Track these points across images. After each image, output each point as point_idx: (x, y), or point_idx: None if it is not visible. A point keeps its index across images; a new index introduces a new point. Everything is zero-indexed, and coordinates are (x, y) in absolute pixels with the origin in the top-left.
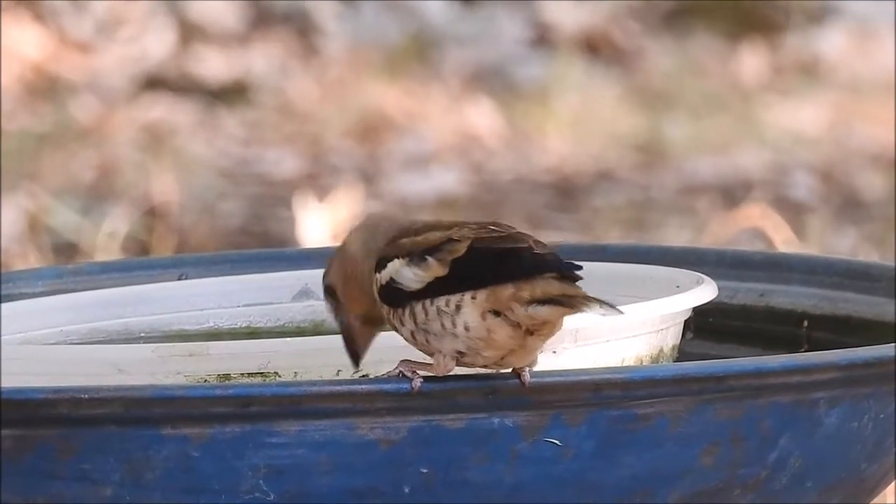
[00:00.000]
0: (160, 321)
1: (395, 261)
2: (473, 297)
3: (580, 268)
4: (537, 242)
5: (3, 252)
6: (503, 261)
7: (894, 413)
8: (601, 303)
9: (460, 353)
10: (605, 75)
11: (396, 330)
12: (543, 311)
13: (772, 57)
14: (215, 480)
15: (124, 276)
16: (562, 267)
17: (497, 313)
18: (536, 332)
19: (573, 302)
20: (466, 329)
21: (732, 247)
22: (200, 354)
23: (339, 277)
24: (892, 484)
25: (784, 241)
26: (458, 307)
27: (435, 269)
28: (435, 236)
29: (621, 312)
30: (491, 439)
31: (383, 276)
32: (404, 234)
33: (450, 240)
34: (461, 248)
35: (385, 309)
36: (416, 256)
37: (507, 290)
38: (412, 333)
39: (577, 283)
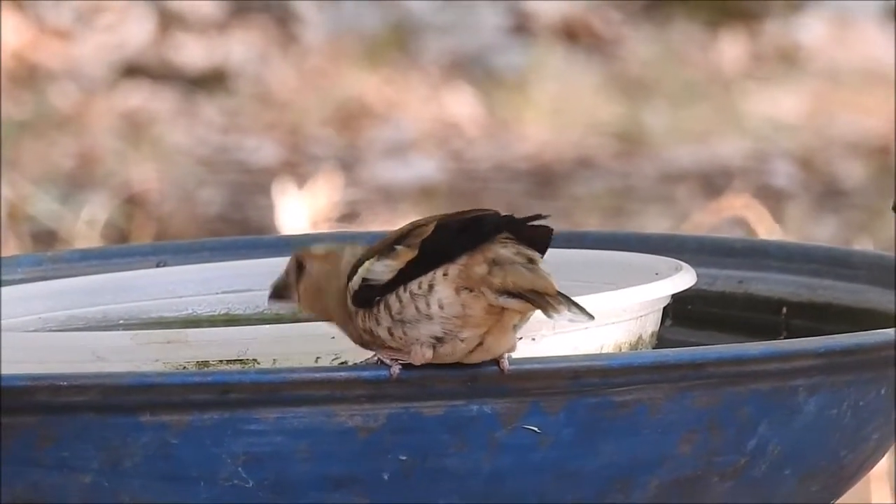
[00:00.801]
0: (139, 308)
1: (366, 262)
2: (445, 274)
3: (546, 216)
4: (508, 216)
5: None
6: (468, 228)
7: (873, 401)
8: (570, 304)
9: (438, 339)
10: (584, 63)
11: (370, 340)
12: (512, 303)
13: (751, 45)
14: (194, 468)
15: (103, 263)
16: (527, 219)
17: (470, 290)
18: (510, 307)
19: (541, 302)
20: (441, 307)
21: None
22: (179, 341)
23: (309, 283)
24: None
25: (767, 230)
26: (430, 287)
27: (404, 254)
28: (402, 229)
29: (591, 317)
30: (469, 426)
31: (355, 282)
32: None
33: (416, 226)
34: (428, 230)
35: (359, 317)
36: (386, 249)
37: (479, 270)
38: (389, 330)
39: (548, 270)
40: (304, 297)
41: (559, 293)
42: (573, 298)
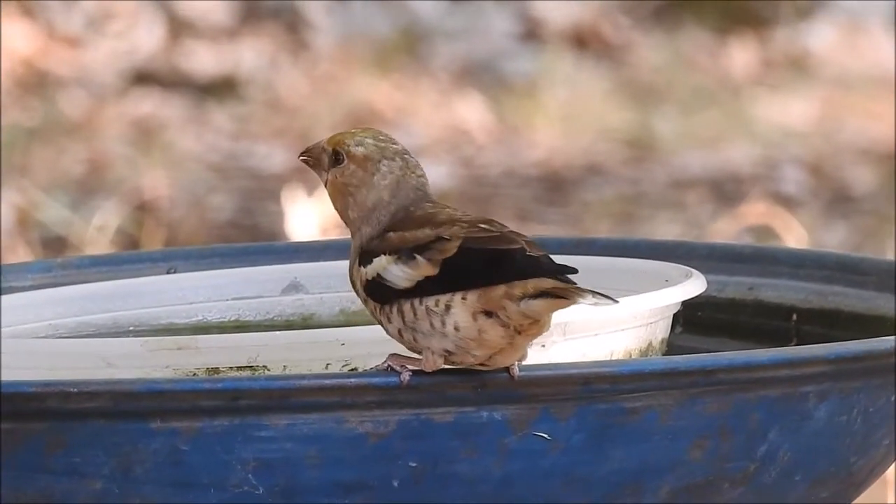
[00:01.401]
0: (149, 315)
1: (382, 257)
2: (464, 298)
3: (575, 270)
4: (529, 243)
5: None
6: (495, 263)
7: (883, 407)
8: (594, 293)
9: (448, 351)
10: (594, 69)
11: (381, 325)
12: (536, 305)
13: (761, 51)
14: (204, 474)
15: (113, 269)
16: (556, 270)
17: (489, 314)
18: (525, 331)
19: (565, 293)
20: (456, 329)
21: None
22: (189, 348)
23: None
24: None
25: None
26: (447, 307)
27: (425, 268)
28: (424, 234)
29: (616, 302)
30: (480, 433)
31: (369, 271)
32: (395, 226)
33: (440, 238)
34: (452, 248)
35: (370, 304)
36: (405, 254)
37: (500, 290)
38: (399, 331)
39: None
40: (330, 187)
41: (578, 287)
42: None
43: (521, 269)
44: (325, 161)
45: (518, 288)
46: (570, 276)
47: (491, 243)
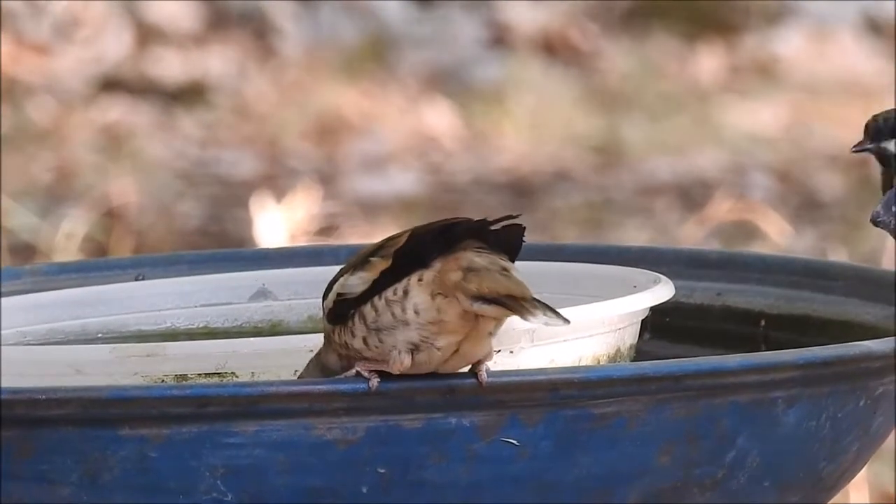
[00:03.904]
0: (118, 322)
1: (340, 279)
2: (420, 280)
3: (518, 215)
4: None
5: None
6: (441, 235)
7: (852, 412)
8: (546, 309)
9: (414, 345)
10: (562, 76)
11: (346, 346)
12: (487, 310)
13: (729, 57)
14: (173, 481)
15: (82, 276)
16: (500, 220)
17: (445, 296)
18: (485, 315)
19: (517, 307)
20: (416, 312)
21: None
22: (158, 355)
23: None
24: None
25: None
26: (405, 292)
27: (378, 264)
28: (379, 242)
29: (567, 321)
30: (448, 439)
31: (329, 299)
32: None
33: (390, 238)
34: (402, 240)
35: (335, 334)
36: (359, 263)
37: (453, 276)
38: (364, 340)
39: (525, 281)
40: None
41: (534, 298)
42: (549, 304)
43: (466, 230)
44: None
45: (473, 284)
46: (531, 291)
47: (437, 223)
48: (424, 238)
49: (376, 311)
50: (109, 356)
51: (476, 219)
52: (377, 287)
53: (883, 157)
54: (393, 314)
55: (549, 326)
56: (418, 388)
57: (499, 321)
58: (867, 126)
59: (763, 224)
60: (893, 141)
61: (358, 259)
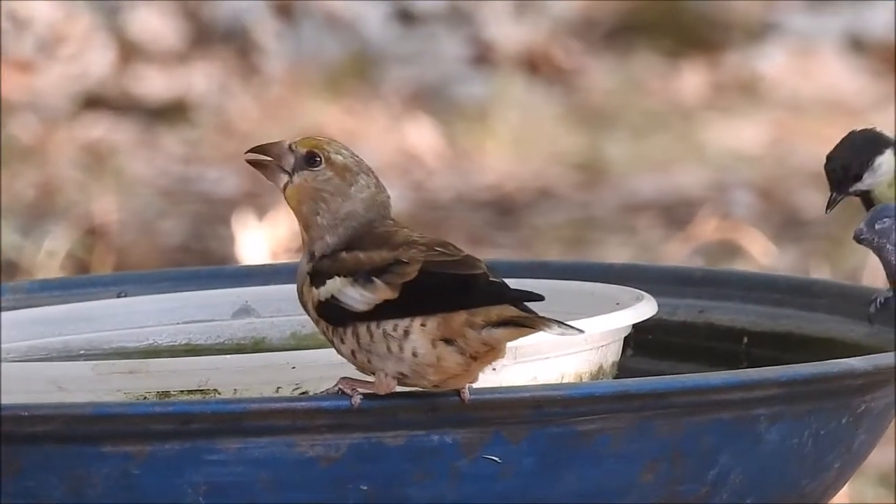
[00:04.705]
0: (100, 339)
1: (337, 279)
2: (423, 325)
3: (541, 297)
4: (490, 269)
5: None
6: (458, 289)
7: (834, 430)
8: (559, 323)
9: (403, 374)
10: (545, 93)
11: (333, 345)
12: (499, 333)
13: (712, 75)
14: (156, 498)
15: (64, 294)
16: (522, 297)
17: (448, 341)
18: (481, 358)
19: (530, 322)
20: (414, 355)
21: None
22: (140, 372)
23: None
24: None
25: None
26: (406, 333)
27: (383, 291)
28: (381, 256)
29: (581, 331)
30: (431, 456)
31: (322, 292)
32: (351, 243)
33: (398, 261)
34: (411, 272)
35: (322, 324)
36: (362, 277)
37: (461, 317)
38: (352, 352)
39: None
40: (297, 190)
41: (542, 315)
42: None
43: (486, 296)
44: (291, 162)
45: (481, 316)
46: (535, 303)
47: (451, 268)
48: (436, 282)
49: (371, 336)
50: (92, 373)
51: (494, 278)
52: (378, 311)
53: (858, 195)
54: (389, 348)
55: (564, 336)
56: (401, 405)
57: (491, 363)
58: (829, 178)
59: (746, 242)
60: (856, 183)
61: (359, 266)
